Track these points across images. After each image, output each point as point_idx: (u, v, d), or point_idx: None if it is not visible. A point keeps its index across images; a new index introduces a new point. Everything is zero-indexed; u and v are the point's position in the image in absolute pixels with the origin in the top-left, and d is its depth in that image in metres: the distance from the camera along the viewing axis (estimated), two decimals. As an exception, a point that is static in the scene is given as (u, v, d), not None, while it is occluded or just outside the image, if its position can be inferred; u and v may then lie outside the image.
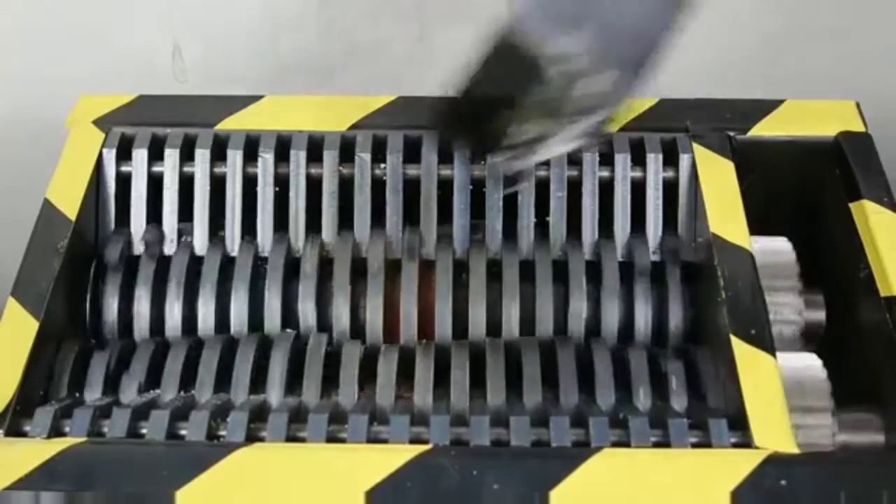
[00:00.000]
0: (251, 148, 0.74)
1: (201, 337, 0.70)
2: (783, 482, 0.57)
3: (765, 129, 0.76)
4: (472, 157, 0.66)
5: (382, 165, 0.73)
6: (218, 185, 0.74)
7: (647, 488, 0.57)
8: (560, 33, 0.57)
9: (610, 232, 0.73)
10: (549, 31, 0.57)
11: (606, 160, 0.74)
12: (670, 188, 0.73)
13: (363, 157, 0.73)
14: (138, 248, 0.73)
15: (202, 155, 0.74)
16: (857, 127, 0.75)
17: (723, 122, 0.76)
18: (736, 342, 0.63)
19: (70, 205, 0.71)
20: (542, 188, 0.73)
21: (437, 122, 0.66)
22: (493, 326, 0.70)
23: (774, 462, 0.58)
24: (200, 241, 0.73)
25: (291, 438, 0.62)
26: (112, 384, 0.67)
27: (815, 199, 0.76)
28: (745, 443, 0.60)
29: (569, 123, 0.59)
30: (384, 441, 0.61)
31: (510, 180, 0.65)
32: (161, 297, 0.71)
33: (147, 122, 0.76)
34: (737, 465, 0.58)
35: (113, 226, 0.74)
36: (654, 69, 0.61)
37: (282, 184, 0.74)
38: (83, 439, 0.61)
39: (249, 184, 0.74)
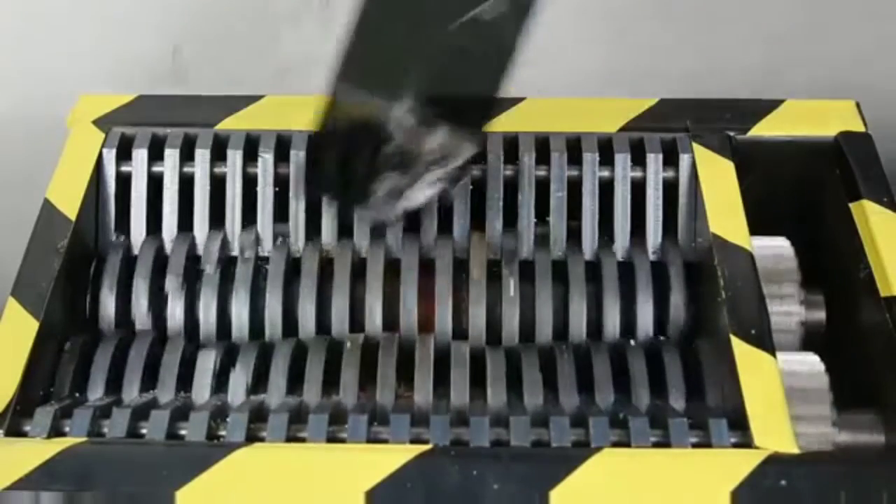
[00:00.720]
0: (251, 148, 0.74)
1: (201, 337, 0.70)
2: (783, 482, 0.57)
3: (765, 129, 0.76)
4: (342, 210, 0.68)
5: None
6: (218, 185, 0.74)
7: (647, 488, 0.57)
8: (379, 100, 0.60)
9: (610, 232, 0.73)
10: (369, 100, 0.60)
11: (606, 160, 0.74)
12: (670, 188, 0.73)
13: (363, 156, 0.73)
14: (138, 247, 0.73)
15: (202, 155, 0.74)
16: (857, 127, 0.76)
17: (723, 122, 0.76)
18: (736, 342, 0.63)
19: (70, 205, 0.71)
20: (543, 188, 0.73)
21: (307, 184, 0.69)
22: (493, 326, 0.70)
23: (774, 462, 0.58)
24: (200, 240, 0.73)
25: (291, 438, 0.62)
26: (112, 384, 0.67)
27: (815, 199, 0.76)
28: (745, 443, 0.60)
29: (424, 173, 0.62)
30: (384, 441, 0.61)
31: (382, 224, 0.68)
32: (160, 296, 0.71)
33: (147, 122, 0.76)
34: (737, 465, 0.58)
35: (113, 226, 0.74)
36: (487, 118, 0.64)
37: (282, 184, 0.74)
38: (83, 439, 0.61)
39: (249, 184, 0.74)
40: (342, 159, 0.63)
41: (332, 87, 0.61)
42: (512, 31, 0.59)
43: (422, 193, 0.63)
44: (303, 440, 0.61)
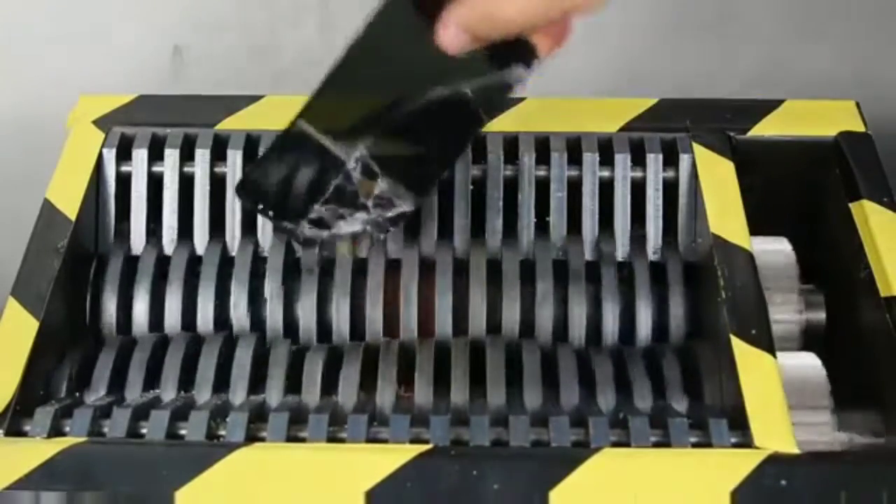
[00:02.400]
0: (251, 148, 0.74)
1: (201, 337, 0.70)
2: (783, 482, 0.57)
3: (765, 129, 0.76)
4: (275, 223, 0.68)
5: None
6: (218, 185, 0.74)
7: (647, 488, 0.57)
8: (333, 143, 0.62)
9: (610, 232, 0.73)
10: (327, 139, 0.62)
11: (606, 160, 0.74)
12: (670, 188, 0.73)
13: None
14: (138, 247, 0.73)
15: (202, 155, 0.74)
16: (857, 127, 0.76)
17: (723, 122, 0.76)
18: (736, 342, 0.63)
19: (70, 205, 0.71)
20: (543, 188, 0.73)
21: (239, 189, 0.70)
22: (493, 326, 0.70)
23: (774, 462, 0.58)
24: (200, 240, 0.73)
25: (291, 438, 0.62)
26: (112, 384, 0.67)
27: (815, 199, 0.76)
28: (745, 443, 0.60)
29: (355, 213, 0.64)
30: (384, 441, 0.61)
31: (304, 243, 0.69)
32: (160, 296, 0.71)
33: (147, 122, 0.76)
34: (737, 465, 0.58)
35: (113, 226, 0.74)
36: (432, 185, 0.67)
37: (282, 184, 0.74)
38: (83, 439, 0.61)
39: (249, 184, 0.74)
40: (286, 175, 0.65)
41: (295, 120, 0.63)
42: (485, 108, 0.61)
43: (346, 228, 0.64)
44: (303, 440, 0.61)
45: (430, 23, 0.57)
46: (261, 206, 0.66)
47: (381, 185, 0.62)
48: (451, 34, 0.57)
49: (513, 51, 0.58)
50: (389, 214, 0.63)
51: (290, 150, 0.64)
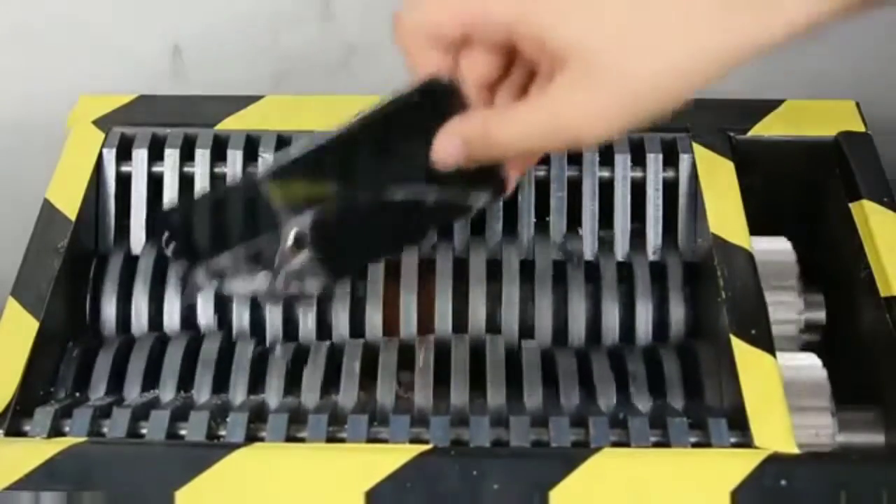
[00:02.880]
0: (251, 148, 0.74)
1: (201, 337, 0.70)
2: (783, 482, 0.57)
3: (765, 129, 0.76)
4: (172, 257, 0.65)
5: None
6: (218, 185, 0.74)
7: (647, 488, 0.57)
8: (280, 207, 0.59)
9: (610, 232, 0.73)
10: (278, 198, 0.60)
11: (606, 160, 0.74)
12: (670, 188, 0.73)
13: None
14: (138, 247, 0.73)
15: (202, 155, 0.74)
16: (857, 127, 0.76)
17: (723, 122, 0.76)
18: (736, 342, 0.63)
19: (70, 205, 0.72)
20: (543, 188, 0.73)
21: (159, 218, 0.68)
22: (493, 326, 0.70)
23: (774, 462, 0.58)
24: (200, 241, 0.73)
25: (291, 438, 0.62)
26: (112, 384, 0.67)
27: (815, 199, 0.76)
28: (745, 443, 0.60)
29: (258, 273, 0.61)
30: (384, 441, 0.61)
31: (191, 288, 0.68)
32: (160, 296, 0.71)
33: (147, 122, 0.76)
34: (737, 465, 0.58)
35: (113, 226, 0.74)
36: (353, 274, 0.68)
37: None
38: (83, 439, 0.61)
39: (250, 184, 0.74)
40: (212, 217, 0.62)
41: (257, 174, 0.61)
42: (438, 222, 0.61)
43: (240, 287, 0.61)
44: (302, 440, 0.61)
45: (434, 129, 0.56)
46: (167, 235, 0.63)
47: (302, 259, 0.60)
48: (449, 145, 0.55)
49: (487, 179, 0.57)
50: (291, 289, 0.61)
51: (232, 195, 0.62)
